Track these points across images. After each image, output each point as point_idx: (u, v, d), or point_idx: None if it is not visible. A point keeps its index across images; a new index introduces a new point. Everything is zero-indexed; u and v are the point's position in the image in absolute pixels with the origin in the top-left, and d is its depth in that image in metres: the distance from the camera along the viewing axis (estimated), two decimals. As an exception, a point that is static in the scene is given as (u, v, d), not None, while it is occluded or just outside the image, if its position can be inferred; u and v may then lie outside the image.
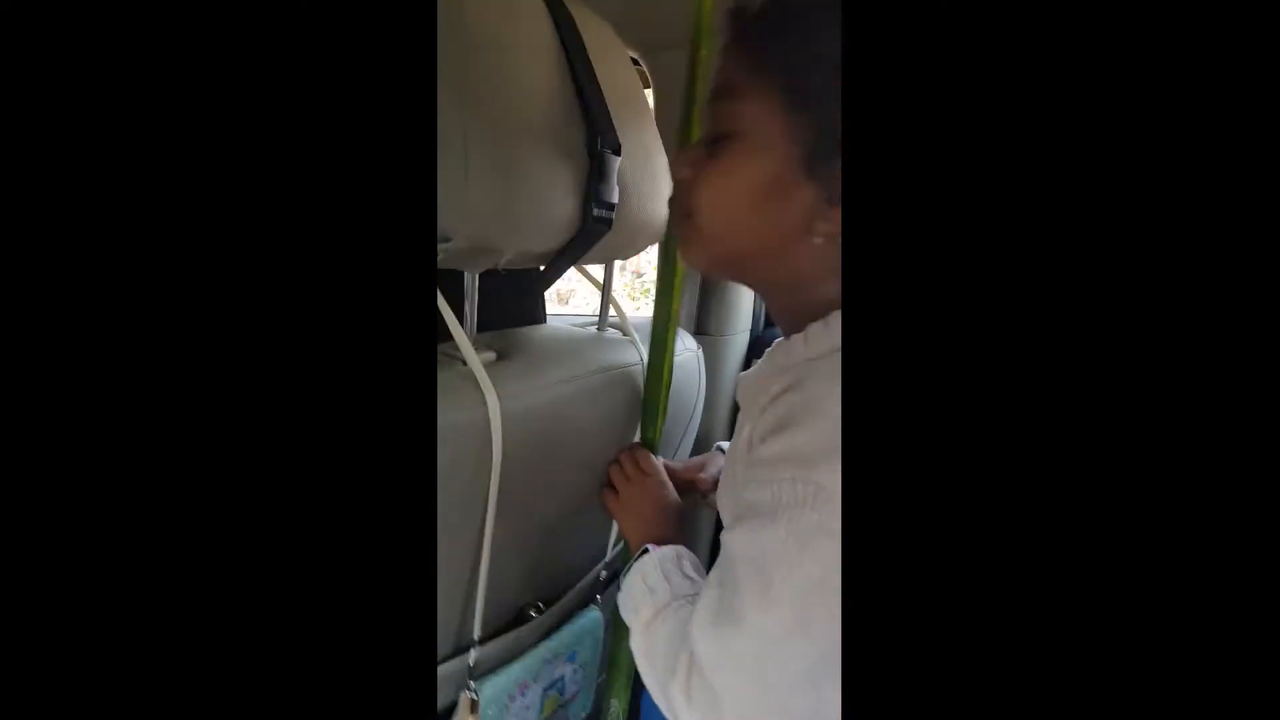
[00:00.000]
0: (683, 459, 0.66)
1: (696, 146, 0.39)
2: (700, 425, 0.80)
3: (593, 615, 0.63)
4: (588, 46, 0.47)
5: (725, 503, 0.43)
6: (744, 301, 0.88)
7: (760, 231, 0.37)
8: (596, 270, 0.60)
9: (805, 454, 0.33)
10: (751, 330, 0.91)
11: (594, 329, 0.60)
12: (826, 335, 0.37)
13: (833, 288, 0.37)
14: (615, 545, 0.66)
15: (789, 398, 0.35)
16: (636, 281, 3.02)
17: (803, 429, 0.34)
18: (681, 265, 0.58)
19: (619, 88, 0.49)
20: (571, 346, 0.52)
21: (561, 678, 0.60)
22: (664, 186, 0.54)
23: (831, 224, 0.35)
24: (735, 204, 0.37)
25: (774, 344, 0.42)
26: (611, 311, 0.61)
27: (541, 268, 0.50)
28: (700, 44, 0.51)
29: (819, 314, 0.38)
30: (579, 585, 0.61)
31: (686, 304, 0.86)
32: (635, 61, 0.80)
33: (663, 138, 0.83)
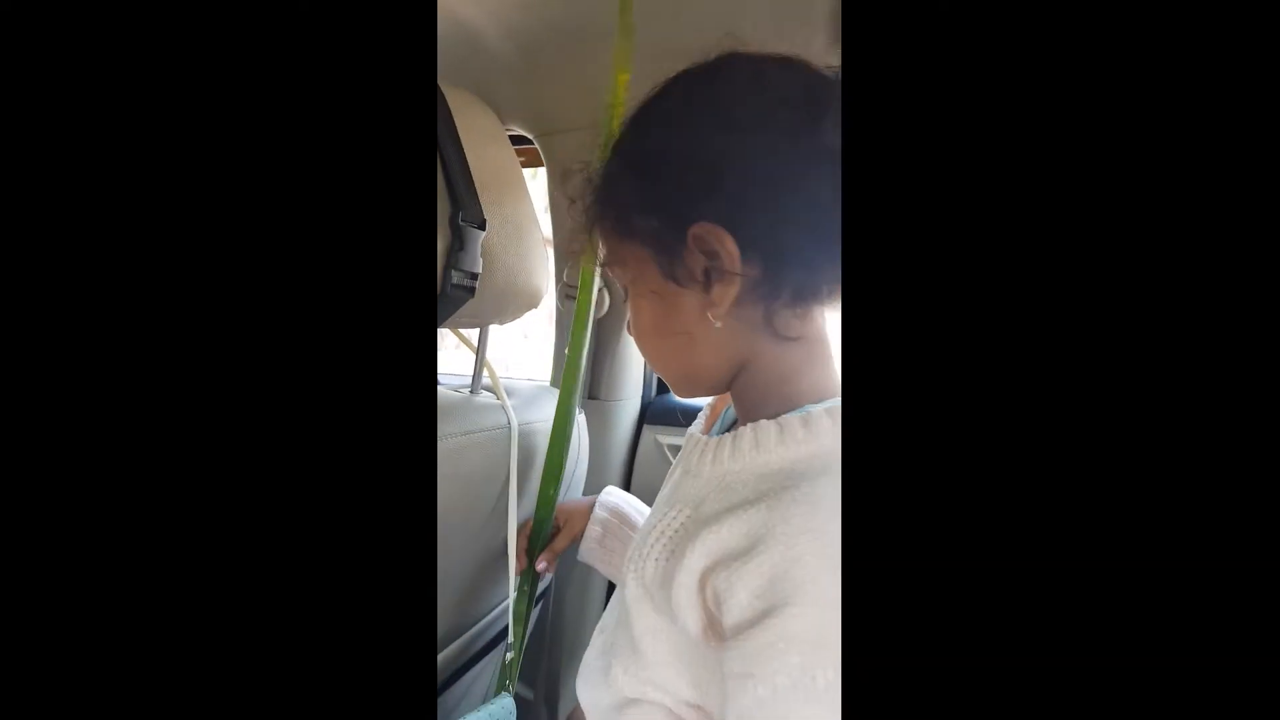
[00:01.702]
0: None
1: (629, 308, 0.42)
2: (587, 488, 0.81)
3: (505, 702, 0.60)
4: (460, 129, 0.50)
5: (644, 583, 0.36)
6: (634, 367, 0.92)
7: (681, 350, 0.38)
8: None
9: (811, 639, 0.29)
10: (643, 396, 0.94)
11: (467, 391, 0.61)
12: (780, 442, 0.34)
13: (776, 354, 0.37)
14: (495, 609, 0.65)
15: (771, 555, 0.30)
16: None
17: (798, 608, 0.29)
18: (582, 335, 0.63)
19: (491, 168, 0.52)
20: (439, 409, 0.53)
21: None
22: (536, 258, 0.57)
23: (717, 305, 0.35)
24: (653, 342, 0.40)
25: (718, 438, 0.38)
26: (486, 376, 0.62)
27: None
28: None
29: (775, 396, 0.37)
30: (454, 645, 0.60)
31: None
32: (529, 140, 0.86)
33: (553, 207, 0.88)
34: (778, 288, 0.35)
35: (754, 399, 0.38)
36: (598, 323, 0.88)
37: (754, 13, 0.62)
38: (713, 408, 0.47)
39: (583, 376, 0.89)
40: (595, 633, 0.43)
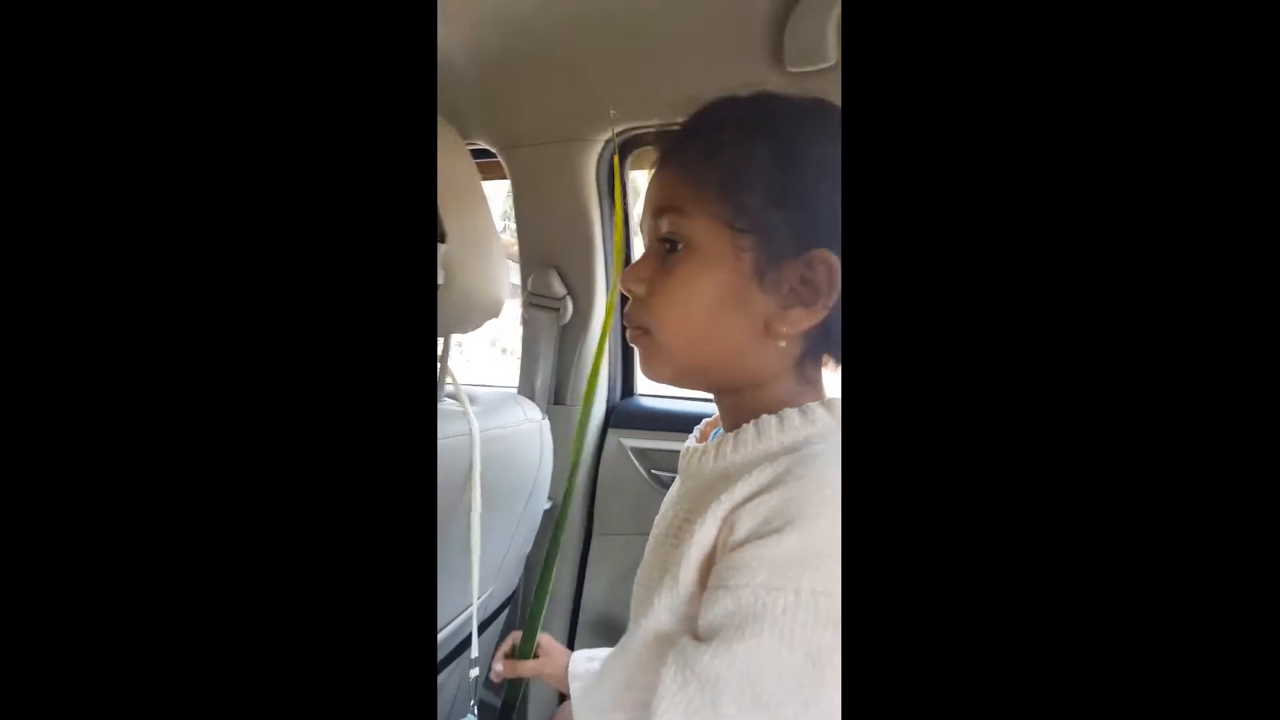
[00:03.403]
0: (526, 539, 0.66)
1: (647, 261, 0.39)
2: (551, 491, 0.82)
3: None
4: None
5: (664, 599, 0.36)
6: (599, 372, 0.94)
7: (720, 341, 0.37)
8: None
9: (821, 554, 0.30)
10: (608, 400, 0.97)
11: (431, 399, 0.63)
12: (781, 430, 0.36)
13: (786, 386, 0.38)
14: (456, 618, 0.66)
15: (780, 493, 0.32)
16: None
17: (780, 535, 0.30)
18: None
19: (448, 180, 0.54)
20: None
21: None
22: (497, 269, 0.59)
23: (788, 325, 0.35)
24: (693, 316, 0.37)
25: (718, 437, 0.39)
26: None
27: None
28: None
29: (769, 411, 0.37)
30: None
31: (542, 375, 0.90)
32: (491, 154, 0.88)
33: (519, 219, 0.90)
34: (828, 338, 0.37)
35: (750, 412, 0.38)
36: (562, 329, 0.90)
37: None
38: (702, 430, 0.46)
39: (549, 382, 0.91)
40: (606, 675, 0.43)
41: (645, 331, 0.39)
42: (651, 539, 0.41)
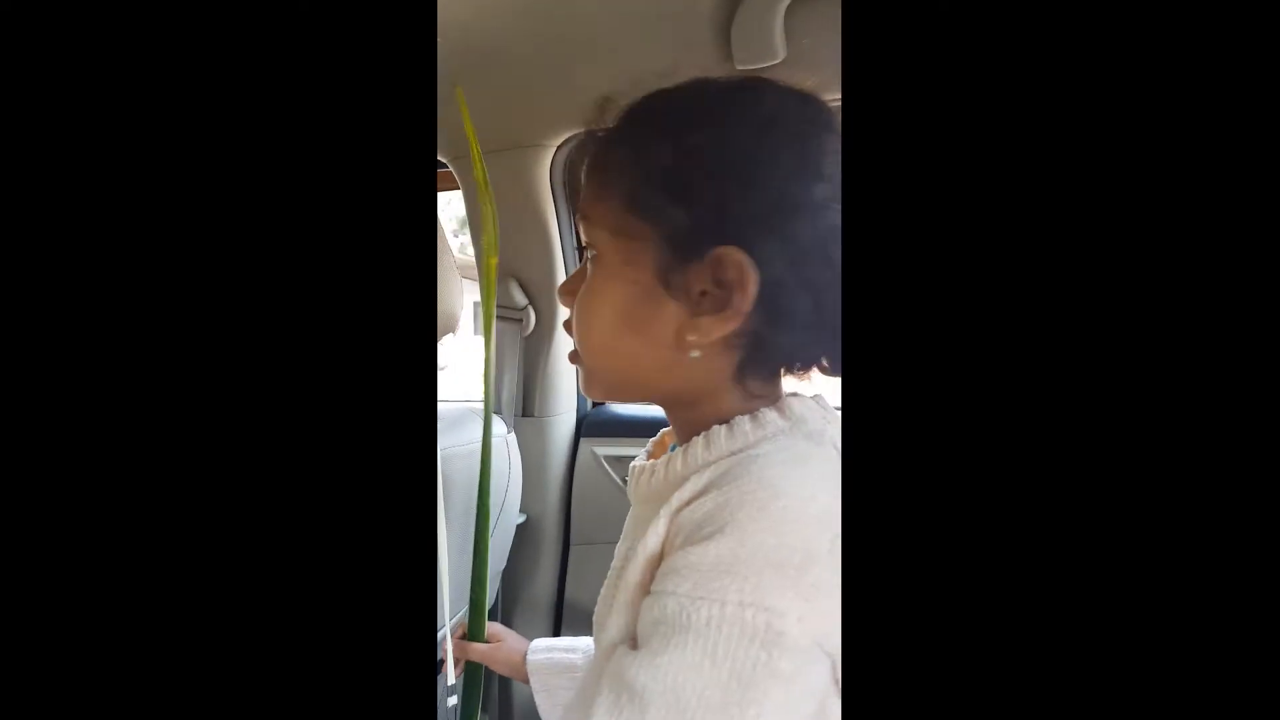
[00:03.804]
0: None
1: (578, 273, 0.38)
2: (525, 505, 0.81)
3: None
4: None
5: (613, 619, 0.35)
6: (567, 383, 0.92)
7: (635, 354, 0.35)
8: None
9: (750, 564, 0.28)
10: (579, 410, 0.95)
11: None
12: (730, 438, 0.33)
13: (733, 399, 0.35)
14: (447, 624, 0.64)
15: (714, 496, 0.30)
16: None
17: (710, 542, 0.29)
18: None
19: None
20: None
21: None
22: (451, 281, 0.58)
23: (697, 334, 0.32)
24: (605, 329, 0.35)
25: (670, 452, 0.37)
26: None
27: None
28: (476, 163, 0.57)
29: (720, 422, 0.35)
30: None
31: (508, 387, 0.89)
32: (442, 164, 0.86)
33: (473, 230, 0.89)
34: (764, 347, 0.33)
35: (700, 425, 0.35)
36: (526, 340, 0.88)
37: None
38: (659, 442, 0.44)
39: (515, 394, 0.89)
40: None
41: (576, 350, 0.38)
42: (610, 570, 0.39)
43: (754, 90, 0.34)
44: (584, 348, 0.37)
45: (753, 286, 0.31)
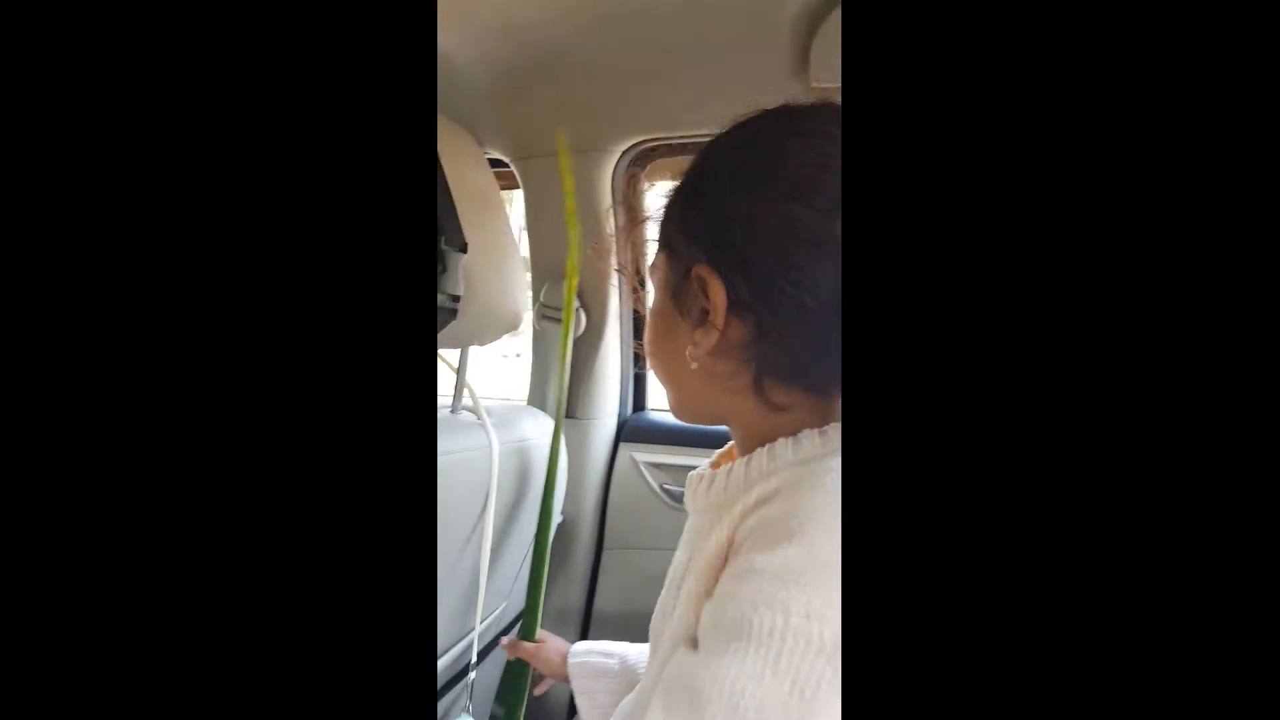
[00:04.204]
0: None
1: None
2: (566, 506, 0.81)
3: None
4: (441, 152, 0.51)
5: (671, 628, 0.36)
6: (611, 386, 0.93)
7: (672, 373, 0.38)
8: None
9: (819, 575, 0.28)
10: (620, 414, 0.96)
11: (448, 412, 0.61)
12: (796, 449, 0.34)
13: (760, 413, 0.35)
14: (465, 638, 0.64)
15: (782, 504, 0.31)
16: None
17: (771, 551, 0.29)
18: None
19: (471, 192, 0.53)
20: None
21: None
22: (516, 280, 0.58)
23: (695, 348, 0.34)
24: (651, 359, 0.39)
25: (732, 465, 0.38)
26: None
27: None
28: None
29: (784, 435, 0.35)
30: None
31: (555, 391, 0.89)
32: (505, 164, 0.87)
33: (530, 229, 0.90)
34: (766, 358, 0.34)
35: (759, 441, 0.36)
36: (575, 342, 0.89)
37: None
38: (724, 454, 0.44)
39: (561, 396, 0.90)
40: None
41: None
42: (668, 581, 0.40)
43: (750, 127, 0.36)
44: (658, 379, 0.41)
45: (719, 298, 0.33)
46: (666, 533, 0.88)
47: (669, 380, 0.39)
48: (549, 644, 0.64)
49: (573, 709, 0.92)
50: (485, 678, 0.70)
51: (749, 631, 0.28)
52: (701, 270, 0.33)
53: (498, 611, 0.70)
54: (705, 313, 0.34)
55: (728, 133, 0.37)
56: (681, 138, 0.81)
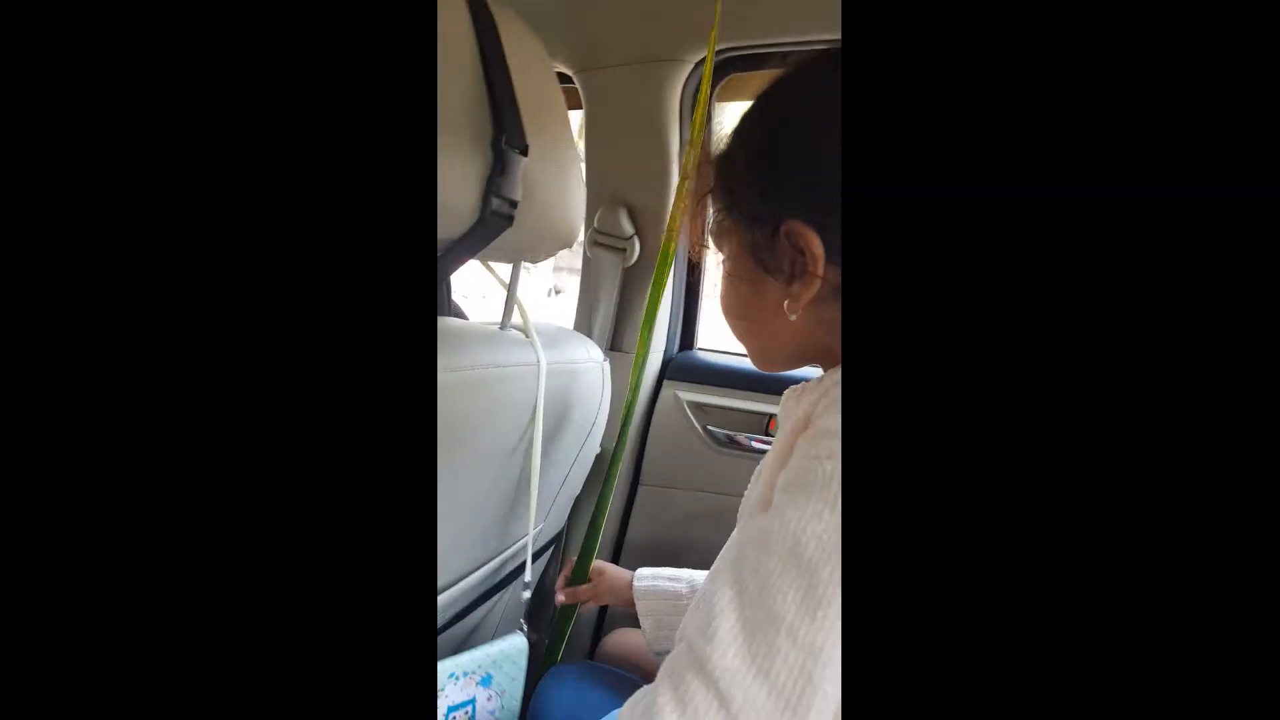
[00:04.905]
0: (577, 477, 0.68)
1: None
2: (604, 439, 0.80)
3: (516, 640, 0.61)
4: (508, 52, 0.48)
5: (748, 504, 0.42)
6: (660, 320, 0.90)
7: (764, 330, 0.40)
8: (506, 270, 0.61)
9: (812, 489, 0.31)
10: (665, 351, 0.93)
11: (495, 327, 0.60)
12: None
13: None
14: (514, 544, 0.65)
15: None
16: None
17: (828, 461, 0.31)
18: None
19: (535, 95, 0.50)
20: (466, 339, 0.52)
21: (472, 701, 0.57)
22: (575, 193, 0.56)
23: (793, 300, 0.36)
24: (736, 319, 0.42)
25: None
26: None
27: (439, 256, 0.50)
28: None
29: None
30: (473, 576, 0.61)
31: (602, 318, 0.87)
32: (569, 79, 0.83)
33: (589, 150, 0.86)
34: None
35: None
36: (624, 272, 0.86)
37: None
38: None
39: (607, 326, 0.88)
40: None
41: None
42: (753, 476, 0.43)
43: (812, 69, 0.37)
44: (737, 339, 0.43)
45: (816, 246, 0.34)
46: (705, 475, 0.87)
47: (759, 336, 0.41)
48: (607, 574, 0.66)
49: (598, 633, 0.94)
50: (514, 596, 0.72)
51: (810, 480, 0.31)
52: (793, 227, 0.34)
53: (536, 529, 0.70)
54: (797, 266, 0.35)
55: (791, 75, 0.37)
56: (759, 46, 0.75)
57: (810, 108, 0.35)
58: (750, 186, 0.37)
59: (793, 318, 0.36)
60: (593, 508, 0.78)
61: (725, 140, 0.39)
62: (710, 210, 0.41)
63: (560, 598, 0.66)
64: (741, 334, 0.42)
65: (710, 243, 0.42)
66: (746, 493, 0.44)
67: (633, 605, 0.61)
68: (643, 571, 0.64)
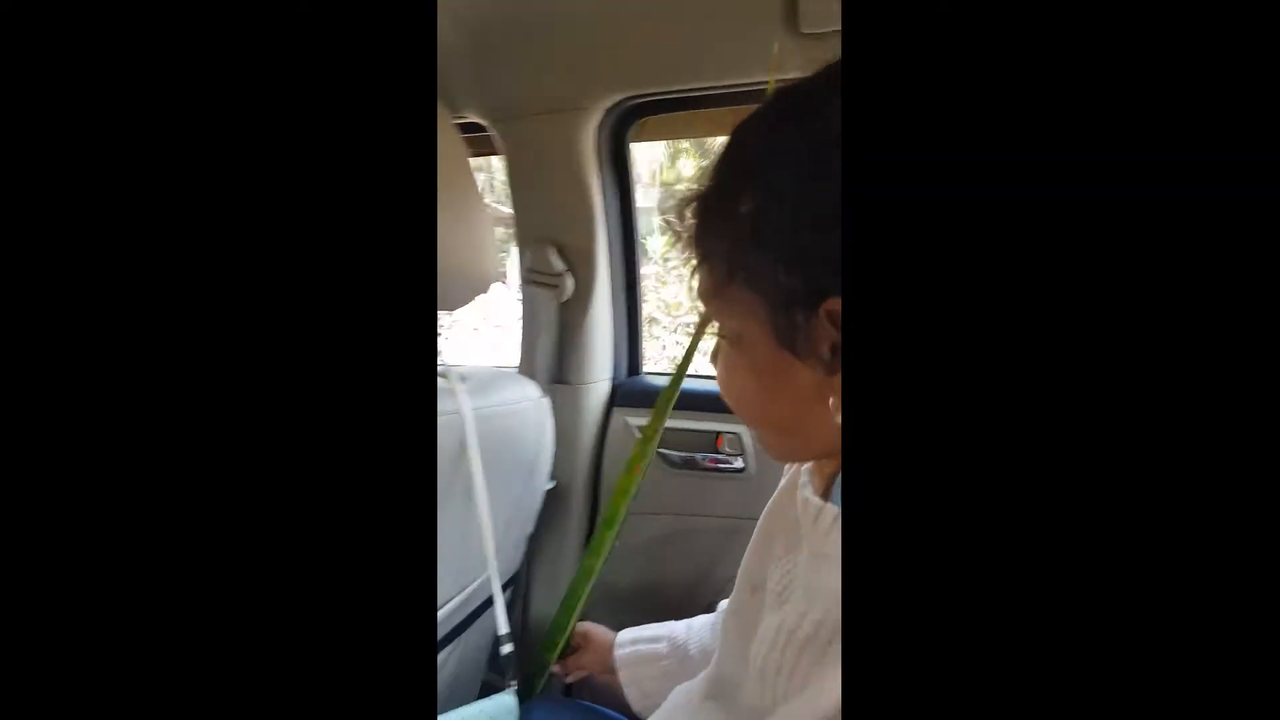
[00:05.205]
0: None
1: (719, 346, 0.36)
2: (556, 472, 0.81)
3: (505, 700, 0.60)
4: None
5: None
6: (601, 350, 0.92)
7: (785, 425, 0.34)
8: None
9: None
10: (613, 378, 0.95)
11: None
12: None
13: None
14: (459, 594, 0.65)
15: None
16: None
17: None
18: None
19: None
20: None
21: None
22: (484, 243, 0.58)
23: (835, 393, 0.30)
24: (750, 408, 0.35)
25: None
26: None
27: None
28: None
29: None
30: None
31: (543, 352, 0.89)
32: (482, 128, 0.85)
33: (515, 195, 0.88)
34: None
35: None
36: (562, 306, 0.88)
37: None
38: (819, 468, 0.39)
39: (550, 360, 0.89)
40: None
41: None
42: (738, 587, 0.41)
43: (831, 76, 0.30)
44: (748, 423, 0.38)
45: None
46: (664, 499, 0.88)
47: (790, 434, 0.34)
48: (593, 639, 0.65)
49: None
50: (475, 641, 0.71)
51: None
52: (835, 305, 0.28)
53: (483, 577, 0.71)
54: (835, 350, 0.29)
55: (772, 111, 0.31)
56: (668, 93, 0.78)
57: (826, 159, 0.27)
58: (768, 249, 0.29)
59: (838, 418, 0.29)
60: (559, 548, 0.78)
61: (709, 176, 0.32)
62: (696, 262, 0.34)
63: (571, 678, 0.66)
64: (762, 429, 0.36)
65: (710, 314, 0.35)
66: (734, 602, 0.42)
67: (614, 672, 0.59)
68: (622, 637, 0.60)
